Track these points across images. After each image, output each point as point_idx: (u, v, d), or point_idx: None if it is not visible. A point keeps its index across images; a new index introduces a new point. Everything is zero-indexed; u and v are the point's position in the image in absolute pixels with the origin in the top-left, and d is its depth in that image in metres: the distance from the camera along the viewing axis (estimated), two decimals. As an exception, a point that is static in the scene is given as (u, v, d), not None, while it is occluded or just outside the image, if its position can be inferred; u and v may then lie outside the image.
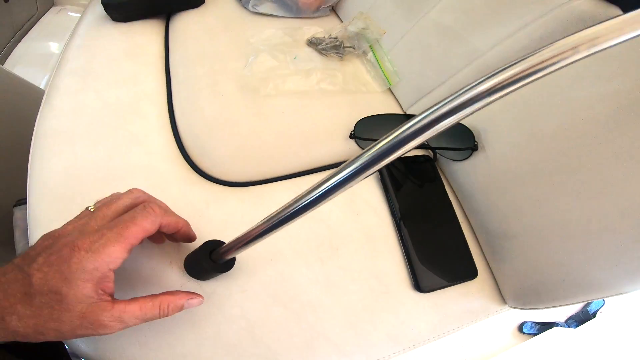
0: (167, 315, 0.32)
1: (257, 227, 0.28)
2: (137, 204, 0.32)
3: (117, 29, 0.66)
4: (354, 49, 0.63)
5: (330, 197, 0.24)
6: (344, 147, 0.53)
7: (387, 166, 0.50)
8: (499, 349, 0.46)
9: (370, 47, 0.64)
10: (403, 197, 0.49)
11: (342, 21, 0.76)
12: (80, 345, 0.36)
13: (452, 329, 0.45)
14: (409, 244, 0.46)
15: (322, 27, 0.70)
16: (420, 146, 0.55)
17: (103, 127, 0.49)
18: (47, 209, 0.41)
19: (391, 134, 0.20)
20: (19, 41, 0.98)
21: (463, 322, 0.45)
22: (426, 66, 0.57)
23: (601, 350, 0.85)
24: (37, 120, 0.48)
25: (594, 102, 0.37)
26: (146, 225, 0.30)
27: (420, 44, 0.59)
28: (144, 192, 0.35)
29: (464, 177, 0.51)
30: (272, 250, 0.43)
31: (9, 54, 0.94)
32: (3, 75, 0.73)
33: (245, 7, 0.71)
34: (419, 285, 0.44)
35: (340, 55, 0.62)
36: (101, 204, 0.31)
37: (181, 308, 0.33)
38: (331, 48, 0.62)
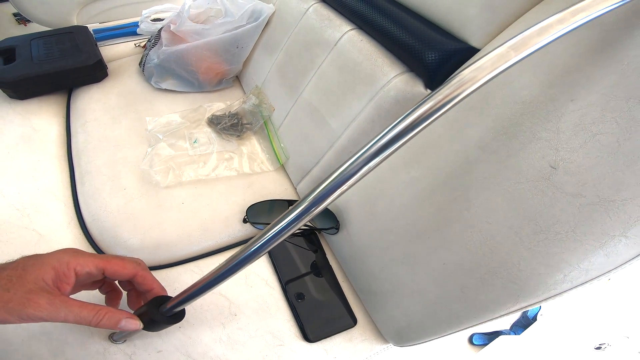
0: (98, 324, 0.34)
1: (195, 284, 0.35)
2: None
3: (13, 108, 0.66)
4: (251, 125, 0.71)
5: (231, 276, 0.32)
6: (240, 230, 0.60)
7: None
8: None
9: (265, 123, 0.71)
10: (288, 267, 0.60)
11: (245, 92, 0.82)
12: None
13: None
14: (295, 304, 0.57)
15: (224, 101, 0.77)
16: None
17: (7, 228, 0.51)
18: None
19: (268, 229, 0.29)
20: None
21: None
22: (303, 146, 0.63)
23: (547, 350, 0.96)
24: None
25: (405, 188, 0.47)
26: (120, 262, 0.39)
27: (298, 124, 0.64)
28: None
29: (337, 248, 0.62)
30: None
31: None
32: None
33: (148, 82, 0.75)
34: (307, 336, 0.56)
35: (238, 134, 0.69)
36: None
37: (116, 323, 0.36)
38: (230, 127, 0.69)
